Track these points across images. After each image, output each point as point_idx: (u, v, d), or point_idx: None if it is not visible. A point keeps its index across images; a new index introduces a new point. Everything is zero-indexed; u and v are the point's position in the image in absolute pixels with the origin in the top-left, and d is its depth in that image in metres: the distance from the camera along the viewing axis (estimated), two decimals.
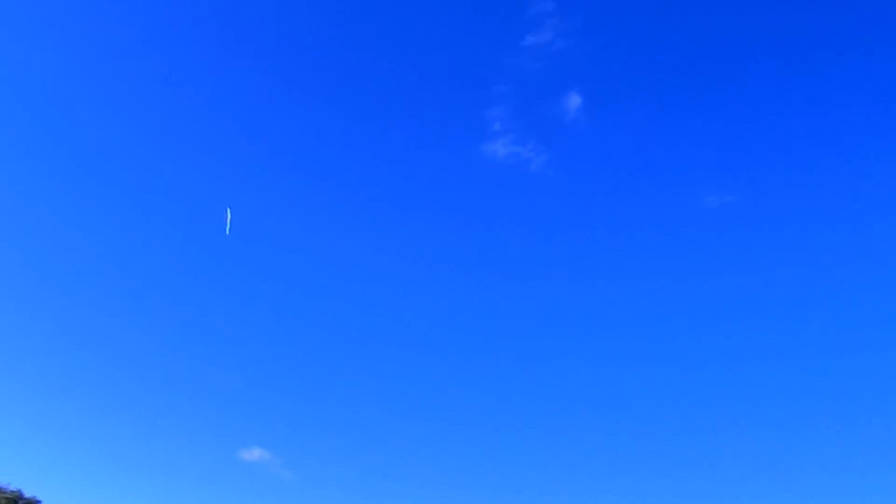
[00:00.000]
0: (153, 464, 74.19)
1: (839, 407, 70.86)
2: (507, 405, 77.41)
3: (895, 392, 72.00)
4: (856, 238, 78.82)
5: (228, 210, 71.64)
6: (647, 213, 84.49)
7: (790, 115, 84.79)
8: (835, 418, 70.86)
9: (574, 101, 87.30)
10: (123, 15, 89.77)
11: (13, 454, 73.76)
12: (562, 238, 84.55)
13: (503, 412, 76.75)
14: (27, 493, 65.05)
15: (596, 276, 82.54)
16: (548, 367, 78.43)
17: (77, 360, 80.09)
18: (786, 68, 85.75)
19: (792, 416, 71.30)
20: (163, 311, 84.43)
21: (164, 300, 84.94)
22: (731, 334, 76.77)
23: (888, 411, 70.04)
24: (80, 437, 74.95)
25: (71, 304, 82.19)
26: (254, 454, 73.24)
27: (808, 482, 69.24)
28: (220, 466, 74.10)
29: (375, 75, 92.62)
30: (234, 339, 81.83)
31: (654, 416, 74.15)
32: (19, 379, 78.62)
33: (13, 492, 63.71)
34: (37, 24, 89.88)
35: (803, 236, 79.35)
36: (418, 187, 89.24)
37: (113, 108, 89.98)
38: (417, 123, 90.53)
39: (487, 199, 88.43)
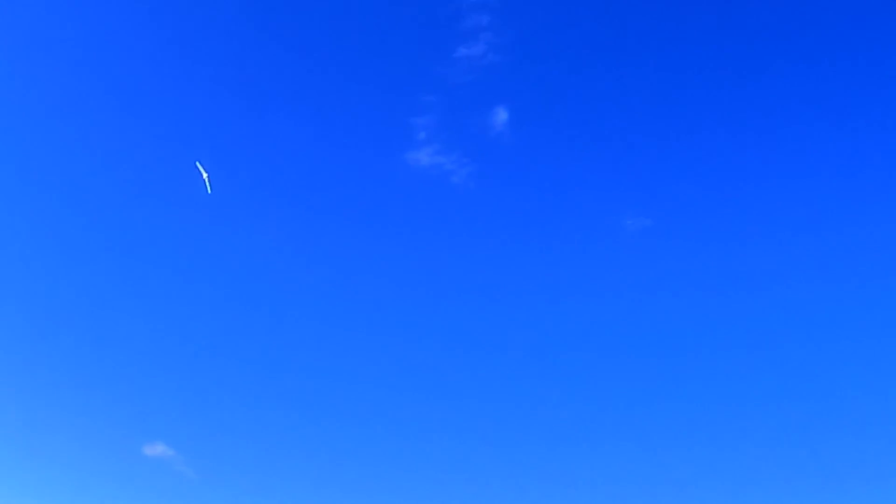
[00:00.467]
0: (53, 457, 72.23)
1: (762, 430, 72.88)
2: (408, 410, 79.01)
3: (828, 425, 72.74)
4: (765, 259, 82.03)
5: (199, 164, 69.48)
6: (566, 233, 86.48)
7: (710, 141, 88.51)
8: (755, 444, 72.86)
9: (501, 115, 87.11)
10: None
11: None
12: (479, 251, 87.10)
13: (409, 418, 78.50)
14: None
15: (510, 291, 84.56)
16: (452, 384, 79.80)
17: None
18: (707, 95, 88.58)
19: (714, 440, 72.80)
20: (62, 302, 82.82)
21: (64, 291, 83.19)
22: (643, 355, 79.88)
23: (820, 442, 71.77)
24: None
25: None
26: (157, 450, 71.53)
27: None
28: (123, 461, 73.08)
29: (300, 74, 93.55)
30: (139, 332, 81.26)
31: (556, 434, 75.67)
32: None
33: None
34: None
35: (716, 260, 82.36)
36: (338, 187, 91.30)
37: None
38: (341, 123, 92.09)
39: (407, 205, 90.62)
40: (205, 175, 69.41)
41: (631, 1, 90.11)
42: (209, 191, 69.75)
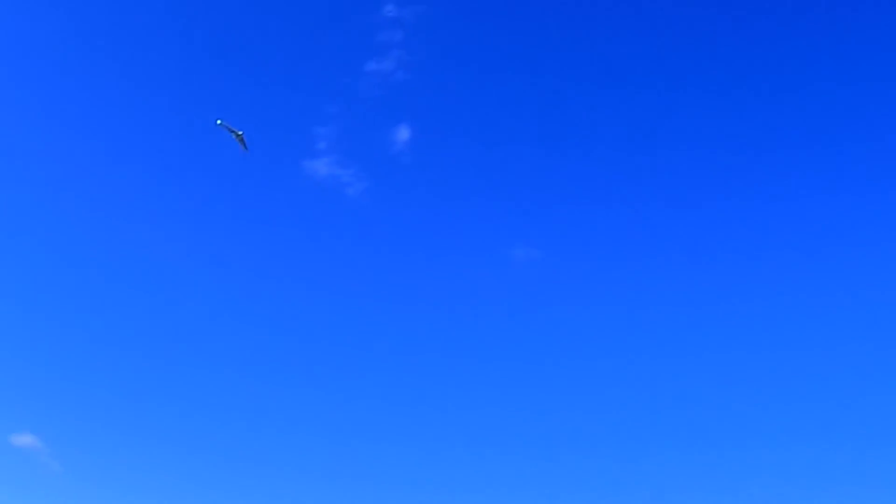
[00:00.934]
0: None
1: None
2: (297, 417, 77.69)
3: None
4: (654, 292, 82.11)
5: (222, 122, 65.73)
6: (454, 258, 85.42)
7: (603, 174, 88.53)
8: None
9: (403, 134, 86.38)
10: None
11: None
12: (366, 266, 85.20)
13: (298, 420, 77.45)
14: None
15: (390, 309, 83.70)
16: (341, 401, 78.27)
17: None
18: (605, 127, 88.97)
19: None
20: None
21: None
22: (520, 385, 78.31)
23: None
24: None
25: None
26: (24, 440, 71.50)
27: None
28: None
29: (206, 71, 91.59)
30: (7, 321, 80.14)
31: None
32: None
33: None
34: None
35: (602, 292, 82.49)
36: (231, 187, 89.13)
37: None
38: (241, 123, 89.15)
39: (299, 212, 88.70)
40: (238, 133, 65.93)
41: (541, 34, 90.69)
42: (245, 149, 66.91)
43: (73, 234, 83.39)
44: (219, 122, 66.82)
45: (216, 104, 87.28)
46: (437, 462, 72.70)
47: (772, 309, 78.86)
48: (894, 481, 66.39)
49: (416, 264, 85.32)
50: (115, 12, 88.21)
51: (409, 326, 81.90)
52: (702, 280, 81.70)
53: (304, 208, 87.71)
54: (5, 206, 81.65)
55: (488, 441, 73.73)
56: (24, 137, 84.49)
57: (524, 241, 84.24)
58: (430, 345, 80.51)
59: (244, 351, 79.17)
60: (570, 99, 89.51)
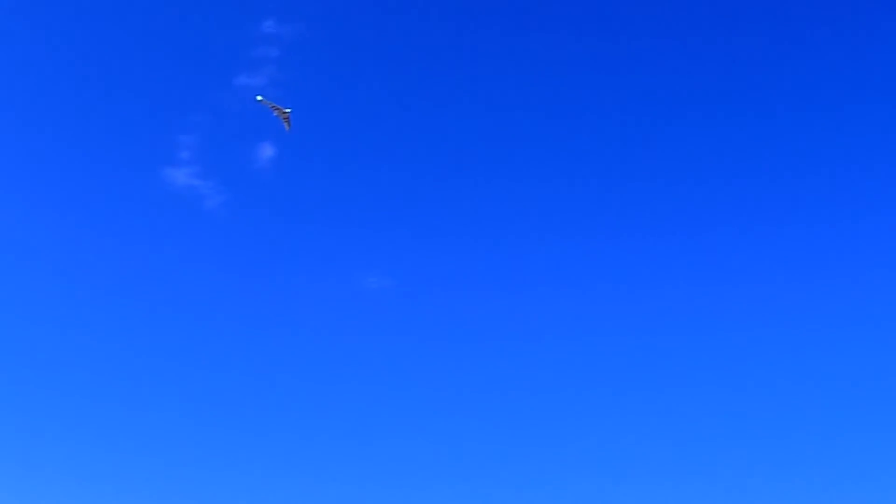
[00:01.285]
0: None
1: None
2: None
3: None
4: (507, 320, 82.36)
5: (263, 98, 64.77)
6: (306, 283, 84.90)
7: (458, 204, 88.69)
8: None
9: (267, 151, 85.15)
10: None
11: None
12: (217, 282, 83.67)
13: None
14: None
15: (236, 325, 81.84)
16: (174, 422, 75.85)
17: None
18: (458, 161, 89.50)
19: None
20: None
21: None
22: (371, 411, 77.53)
23: None
24: None
25: None
26: None
27: None
28: None
29: (68, 73, 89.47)
30: None
31: None
32: None
33: None
34: None
35: (453, 325, 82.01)
36: (87, 188, 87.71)
37: None
38: (104, 126, 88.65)
39: (153, 220, 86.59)
40: (284, 111, 64.77)
41: (414, 63, 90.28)
42: (288, 128, 66.12)
43: None
44: (259, 98, 65.87)
45: (83, 101, 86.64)
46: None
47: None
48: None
49: (267, 284, 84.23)
50: None
51: (252, 348, 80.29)
52: (541, 310, 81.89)
53: (158, 215, 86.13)
54: None
55: (330, 468, 72.34)
56: None
57: (378, 269, 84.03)
58: (273, 368, 79.00)
59: (88, 360, 77.15)
60: (438, 127, 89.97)
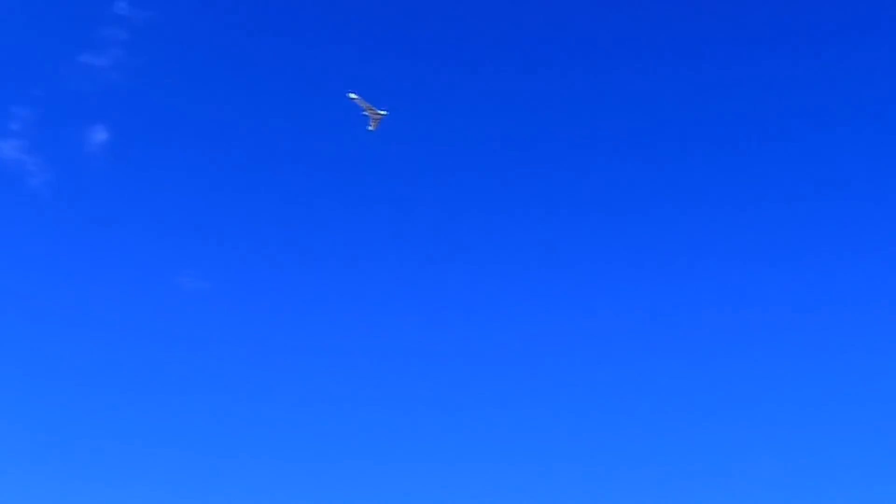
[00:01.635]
0: None
1: None
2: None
3: None
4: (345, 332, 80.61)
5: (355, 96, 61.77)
6: (118, 278, 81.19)
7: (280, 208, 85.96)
8: None
9: (100, 135, 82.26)
10: None
11: None
12: (36, 265, 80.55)
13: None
14: None
15: (44, 321, 77.40)
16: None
17: None
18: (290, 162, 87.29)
19: None
20: None
21: None
22: (182, 414, 74.98)
23: None
24: None
25: None
26: None
27: None
28: None
29: None
30: None
31: None
32: None
33: None
34: None
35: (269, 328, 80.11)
36: None
37: None
38: None
39: None
40: (378, 112, 62.18)
41: (263, 62, 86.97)
42: (374, 129, 63.13)
43: None
44: (353, 95, 62.96)
45: None
46: None
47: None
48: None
49: (79, 275, 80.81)
50: None
51: (54, 341, 76.75)
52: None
53: None
54: None
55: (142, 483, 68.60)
56: None
57: (193, 271, 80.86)
58: (75, 365, 75.64)
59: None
60: (280, 127, 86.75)
